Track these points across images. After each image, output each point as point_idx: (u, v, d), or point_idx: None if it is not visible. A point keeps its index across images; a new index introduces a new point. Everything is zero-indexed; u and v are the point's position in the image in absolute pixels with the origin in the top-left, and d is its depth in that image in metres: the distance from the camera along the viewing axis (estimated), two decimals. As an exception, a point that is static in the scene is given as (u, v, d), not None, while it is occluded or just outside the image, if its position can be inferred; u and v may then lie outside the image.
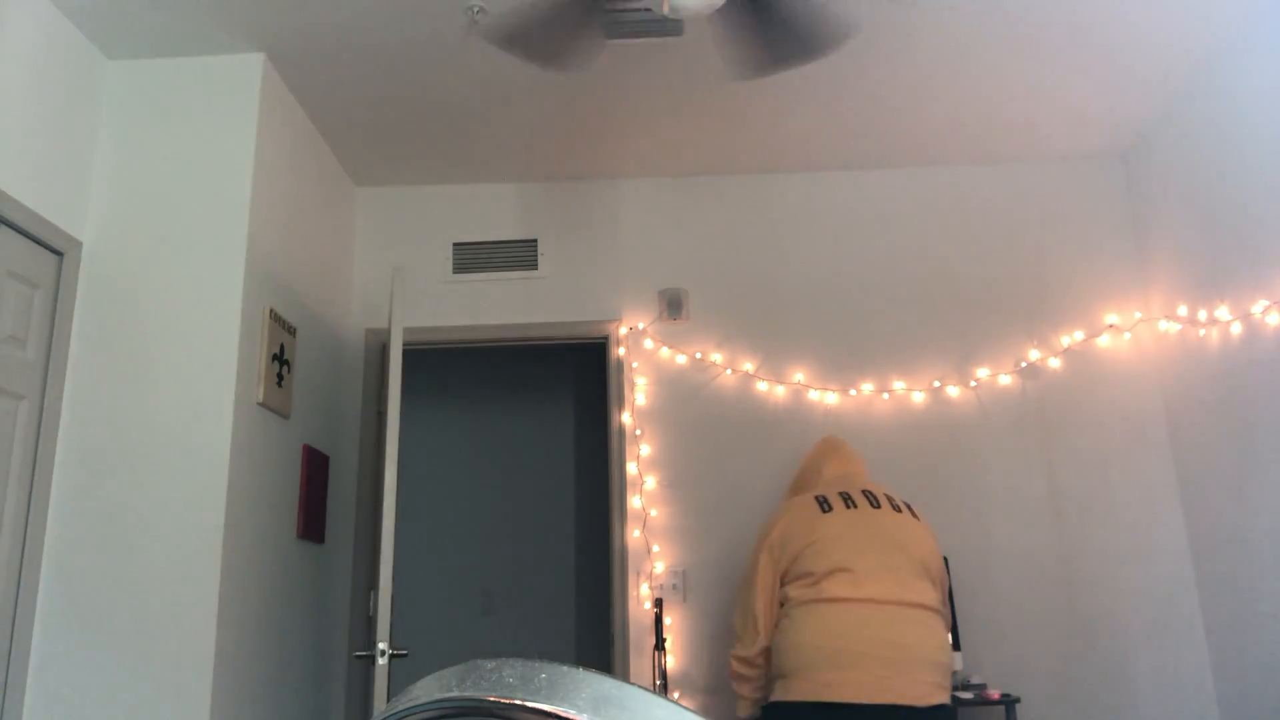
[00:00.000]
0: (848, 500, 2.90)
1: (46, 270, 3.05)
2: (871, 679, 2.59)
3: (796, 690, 2.65)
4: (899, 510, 2.90)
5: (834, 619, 2.68)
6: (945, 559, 3.78)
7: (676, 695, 3.87)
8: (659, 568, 3.99)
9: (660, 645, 3.67)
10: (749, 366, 4.22)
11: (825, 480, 3.15)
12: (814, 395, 4.17)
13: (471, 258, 4.37)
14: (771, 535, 2.95)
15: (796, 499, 3.05)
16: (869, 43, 3.45)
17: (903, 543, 2.80)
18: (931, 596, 2.76)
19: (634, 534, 4.03)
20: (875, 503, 2.89)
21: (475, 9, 3.18)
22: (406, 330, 4.25)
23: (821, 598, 2.71)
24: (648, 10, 3.17)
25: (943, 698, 2.64)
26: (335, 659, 3.96)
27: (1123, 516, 4.00)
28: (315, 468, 3.78)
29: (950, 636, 3.67)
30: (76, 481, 3.03)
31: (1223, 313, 3.67)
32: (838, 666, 2.61)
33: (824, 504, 2.92)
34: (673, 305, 4.28)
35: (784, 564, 2.86)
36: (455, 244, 4.39)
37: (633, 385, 4.20)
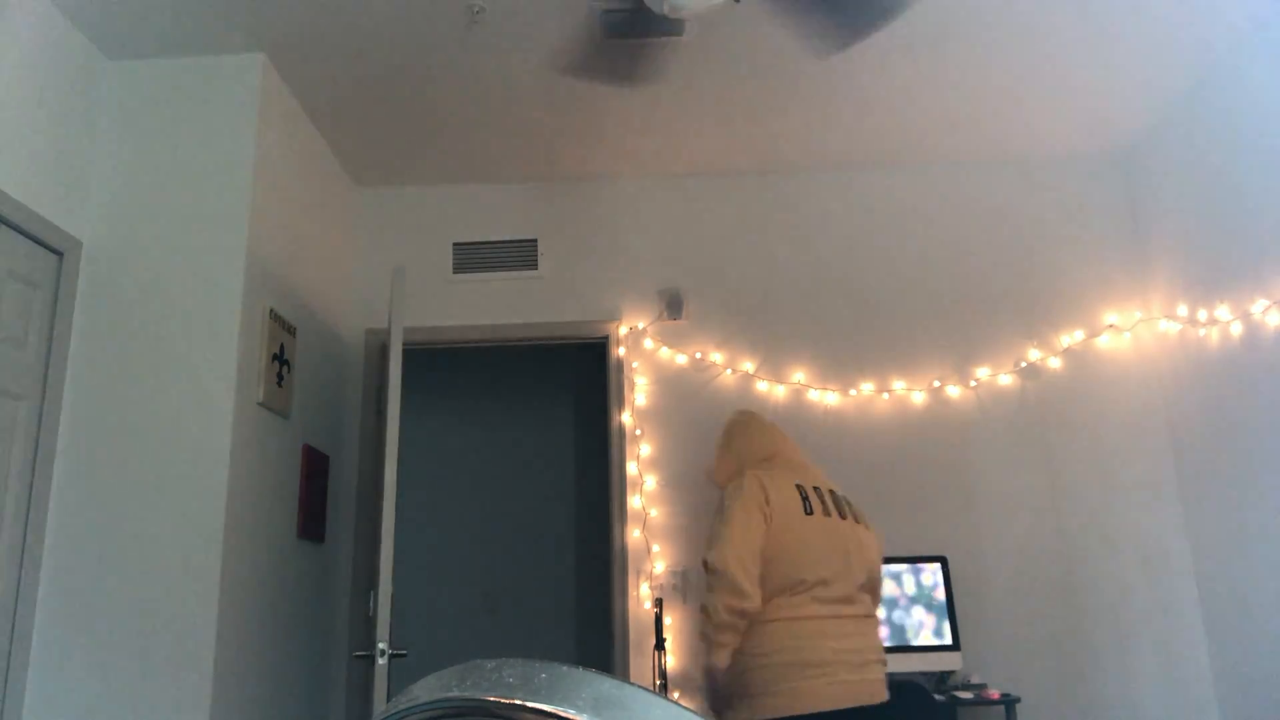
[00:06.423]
0: (825, 505, 2.88)
1: (46, 270, 3.05)
2: (838, 686, 2.62)
3: (764, 707, 2.65)
4: (859, 522, 2.91)
5: (802, 633, 2.69)
6: (945, 559, 3.80)
7: (676, 695, 3.87)
8: (659, 568, 3.99)
9: (660, 645, 3.67)
10: (749, 366, 4.21)
11: (784, 462, 2.97)
12: (814, 395, 4.17)
13: (471, 258, 4.37)
14: (767, 500, 2.79)
15: (778, 476, 2.87)
16: (869, 44, 3.45)
17: (863, 559, 2.85)
18: (872, 608, 2.86)
19: (634, 534, 4.03)
20: (843, 513, 2.90)
21: (475, 9, 3.18)
22: (406, 330, 4.25)
23: (799, 615, 2.71)
24: (647, 10, 3.17)
25: (886, 694, 2.74)
26: (335, 659, 3.96)
27: (1122, 516, 4.00)
28: (315, 468, 3.78)
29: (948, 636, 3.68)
30: (76, 481, 3.03)
31: (1223, 313, 3.67)
32: (805, 677, 2.63)
33: (806, 502, 2.85)
34: (672, 305, 4.28)
35: (771, 539, 2.75)
36: (455, 244, 4.39)
37: (632, 385, 4.20)
